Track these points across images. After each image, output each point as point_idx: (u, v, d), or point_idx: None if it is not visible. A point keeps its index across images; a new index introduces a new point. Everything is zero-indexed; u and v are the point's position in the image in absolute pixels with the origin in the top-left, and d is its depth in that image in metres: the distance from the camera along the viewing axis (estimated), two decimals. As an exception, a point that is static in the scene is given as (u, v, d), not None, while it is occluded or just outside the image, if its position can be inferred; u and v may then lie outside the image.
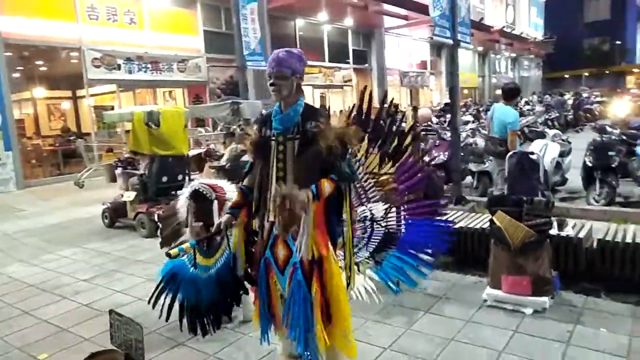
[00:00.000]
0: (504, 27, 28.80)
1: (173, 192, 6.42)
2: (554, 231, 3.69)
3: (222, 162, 7.35)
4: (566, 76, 48.48)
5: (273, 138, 2.25)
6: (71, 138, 12.49)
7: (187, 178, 6.38)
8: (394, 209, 2.38)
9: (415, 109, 11.41)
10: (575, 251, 3.71)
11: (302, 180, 2.10)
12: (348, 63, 20.71)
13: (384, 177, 2.35)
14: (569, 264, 3.73)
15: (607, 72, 46.32)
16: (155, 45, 13.55)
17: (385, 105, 2.17)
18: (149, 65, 13.34)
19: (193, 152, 7.33)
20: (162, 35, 13.82)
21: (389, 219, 2.38)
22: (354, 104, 2.42)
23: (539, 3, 42.04)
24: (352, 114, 2.26)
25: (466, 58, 30.86)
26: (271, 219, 2.24)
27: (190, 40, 14.61)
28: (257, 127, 2.40)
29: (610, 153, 6.01)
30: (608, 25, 49.16)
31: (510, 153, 4.62)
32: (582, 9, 50.08)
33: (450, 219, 3.98)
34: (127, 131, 12.70)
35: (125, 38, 13.06)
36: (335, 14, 18.34)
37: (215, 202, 3.49)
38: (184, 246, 2.41)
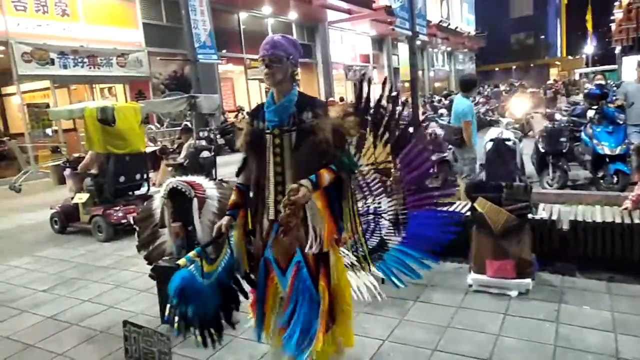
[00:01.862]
0: (440, 21, 29.80)
1: (130, 193, 6.07)
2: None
3: (180, 159, 7.05)
4: (496, 69, 51.07)
5: (268, 131, 2.12)
6: (4, 139, 11.47)
7: (145, 177, 6.03)
8: (397, 201, 2.32)
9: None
10: (550, 233, 3.86)
11: (302, 175, 1.98)
12: (293, 57, 20.57)
13: (385, 165, 2.25)
14: (543, 245, 3.87)
15: (532, 65, 49.29)
16: (92, 39, 12.78)
17: (387, 92, 2.08)
18: (86, 60, 12.57)
19: (147, 150, 6.94)
20: (98, 28, 13.04)
21: (392, 212, 2.32)
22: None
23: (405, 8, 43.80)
24: (350, 103, 2.18)
25: (406, 52, 31.68)
26: (271, 217, 2.13)
27: (129, 33, 13.90)
28: (249, 120, 2.25)
29: (561, 139, 6.34)
30: (532, 21, 52.37)
31: (487, 140, 4.75)
32: (508, 5, 52.93)
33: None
34: (67, 130, 11.98)
35: (57, 31, 12.21)
36: (279, 7, 18.15)
37: (195, 200, 3.31)
38: (190, 254, 2.23)
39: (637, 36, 28.99)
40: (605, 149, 6.04)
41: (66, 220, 6.06)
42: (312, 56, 21.62)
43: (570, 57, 55.57)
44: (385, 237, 2.38)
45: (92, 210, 5.74)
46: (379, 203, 2.35)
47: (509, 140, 4.86)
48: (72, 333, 3.38)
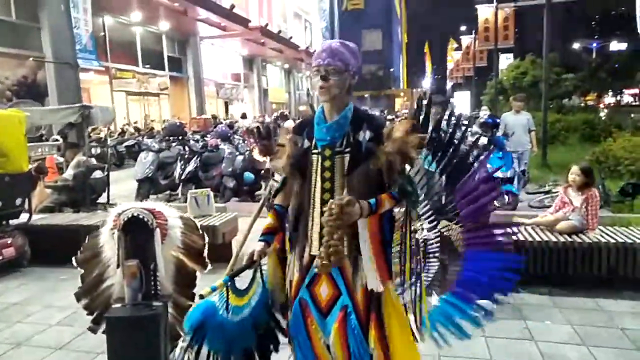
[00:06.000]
0: (307, 47, 30.96)
1: (4, 222, 4.87)
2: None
3: (64, 178, 5.91)
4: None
5: (315, 151, 1.84)
6: None
7: (27, 203, 4.89)
8: (452, 238, 2.05)
9: (284, 117, 11.26)
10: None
11: None
12: (163, 70, 19.33)
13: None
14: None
15: (382, 94, 54.11)
16: None
17: (448, 112, 1.96)
18: None
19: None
20: None
21: (444, 252, 1.98)
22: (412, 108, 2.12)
23: (329, 29, 46.55)
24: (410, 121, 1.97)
25: (275, 74, 32.17)
26: (314, 251, 1.82)
27: (-34, 27, 11.55)
28: (292, 137, 1.93)
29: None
30: (381, 55, 57.68)
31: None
32: (360, 38, 57.52)
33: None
34: None
35: None
36: (149, 15, 16.94)
37: (157, 231, 2.73)
38: (216, 284, 1.88)
39: (469, 75, 33.87)
40: (498, 172, 6.71)
41: None
42: (182, 70, 20.58)
43: (413, 90, 62.36)
44: (434, 282, 2.06)
45: (-49, 245, 4.45)
46: (430, 237, 1.99)
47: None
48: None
